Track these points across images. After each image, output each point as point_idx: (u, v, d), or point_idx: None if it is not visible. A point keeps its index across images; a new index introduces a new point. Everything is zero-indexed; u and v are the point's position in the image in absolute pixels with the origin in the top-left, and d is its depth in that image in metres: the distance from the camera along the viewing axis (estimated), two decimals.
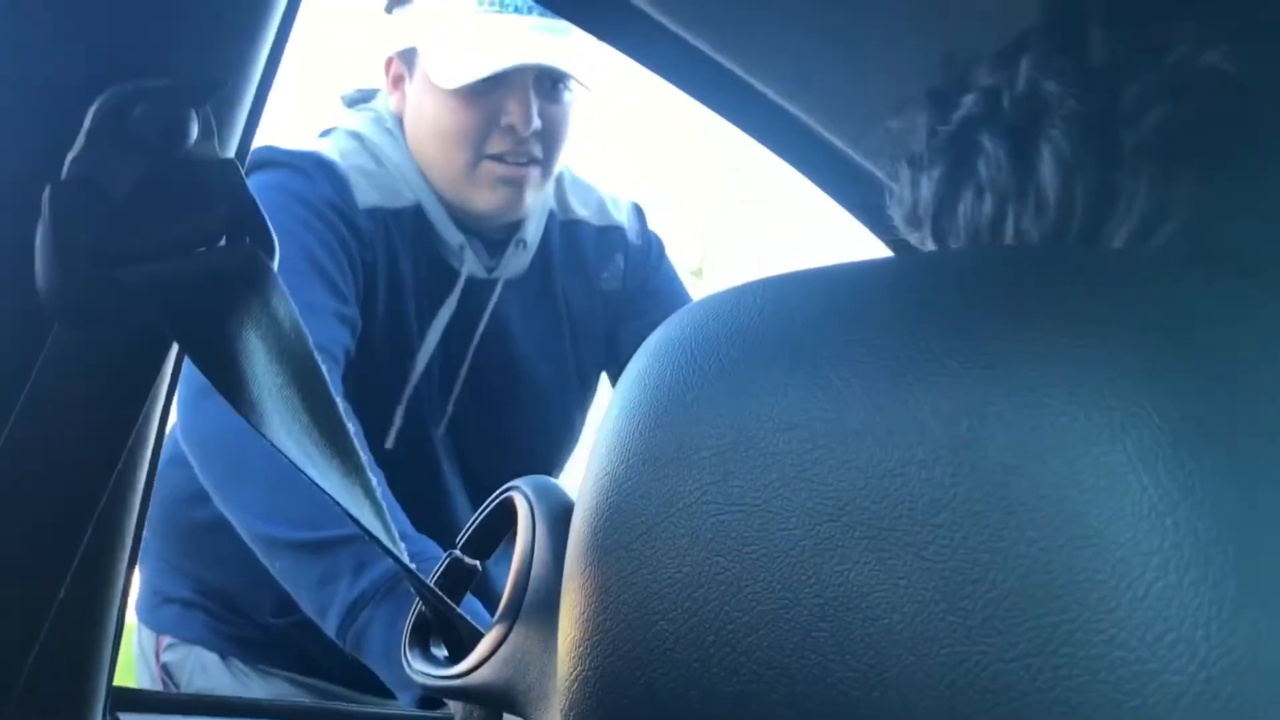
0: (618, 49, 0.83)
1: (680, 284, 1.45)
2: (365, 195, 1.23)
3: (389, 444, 1.27)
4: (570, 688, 0.36)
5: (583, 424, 1.43)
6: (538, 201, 1.30)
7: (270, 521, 1.08)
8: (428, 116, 1.25)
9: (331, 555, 1.06)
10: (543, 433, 1.37)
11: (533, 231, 1.32)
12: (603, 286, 1.38)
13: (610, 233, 1.39)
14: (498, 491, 0.52)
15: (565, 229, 1.36)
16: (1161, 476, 0.26)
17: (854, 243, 1.06)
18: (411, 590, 0.80)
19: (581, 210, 1.38)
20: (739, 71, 0.82)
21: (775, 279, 0.36)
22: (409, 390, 1.27)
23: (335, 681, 1.28)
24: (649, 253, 1.42)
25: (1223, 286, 0.28)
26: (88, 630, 0.57)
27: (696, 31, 0.78)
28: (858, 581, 0.30)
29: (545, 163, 1.26)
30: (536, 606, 0.47)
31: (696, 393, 0.35)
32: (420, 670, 0.51)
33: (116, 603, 0.58)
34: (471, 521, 0.53)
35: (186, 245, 0.45)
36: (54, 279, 0.42)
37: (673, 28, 0.77)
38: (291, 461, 0.45)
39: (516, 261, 1.31)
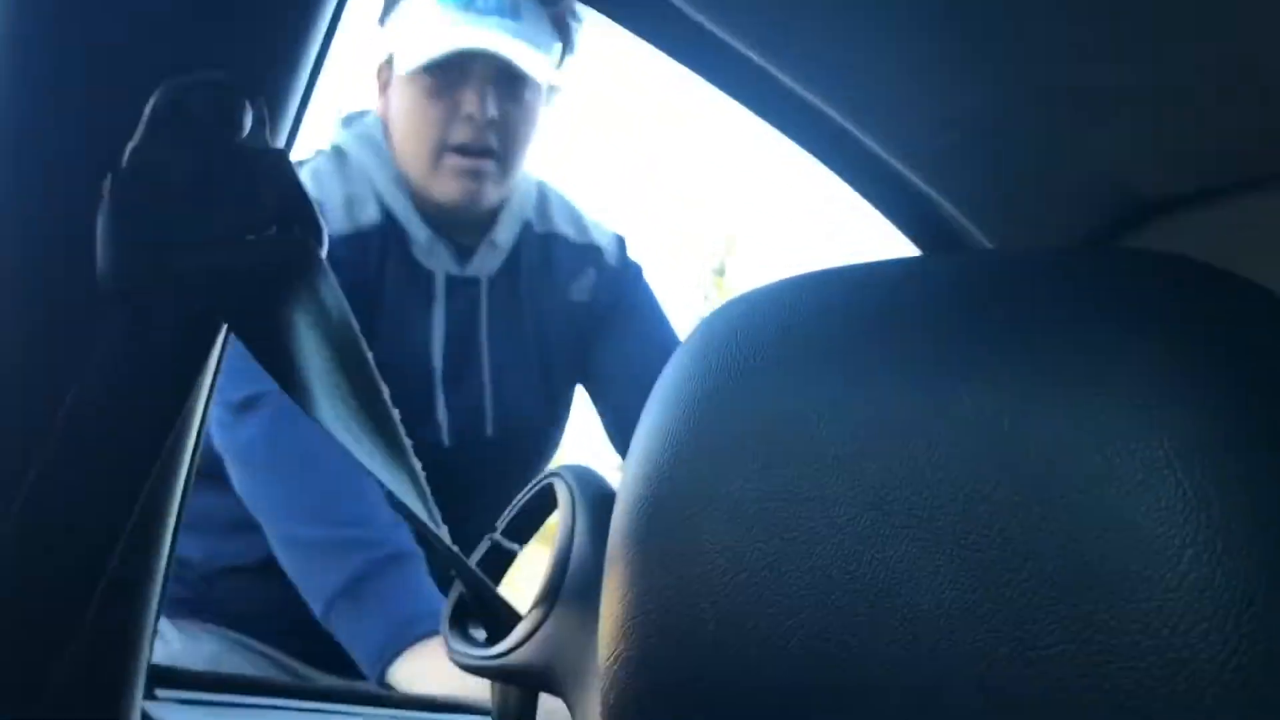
0: (643, 38, 0.83)
1: (659, 305, 1.46)
2: (337, 222, 1.27)
3: (446, 440, 1.31)
4: (611, 667, 0.37)
5: (559, 437, 1.45)
6: (498, 197, 1.33)
7: (293, 519, 1.18)
8: (399, 113, 1.31)
9: (339, 552, 1.16)
10: (515, 441, 1.39)
11: (503, 235, 1.35)
12: (571, 297, 1.40)
13: (587, 250, 1.41)
14: (538, 478, 0.53)
15: (542, 240, 1.39)
16: (1198, 473, 0.27)
17: (880, 242, 1.06)
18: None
19: (561, 225, 1.40)
20: (768, 66, 0.82)
21: (817, 274, 0.37)
22: (439, 393, 1.31)
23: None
24: (625, 273, 1.43)
25: (1262, 289, 0.29)
26: (131, 610, 0.58)
27: (721, 23, 0.78)
28: (897, 569, 0.31)
29: (503, 157, 1.30)
30: (576, 590, 0.48)
31: (739, 383, 0.36)
32: (460, 651, 0.52)
33: (158, 583, 0.60)
34: (512, 506, 0.55)
35: (239, 234, 0.46)
36: (112, 265, 0.43)
37: (695, 17, 0.77)
38: (340, 444, 0.46)
39: (489, 262, 1.34)
